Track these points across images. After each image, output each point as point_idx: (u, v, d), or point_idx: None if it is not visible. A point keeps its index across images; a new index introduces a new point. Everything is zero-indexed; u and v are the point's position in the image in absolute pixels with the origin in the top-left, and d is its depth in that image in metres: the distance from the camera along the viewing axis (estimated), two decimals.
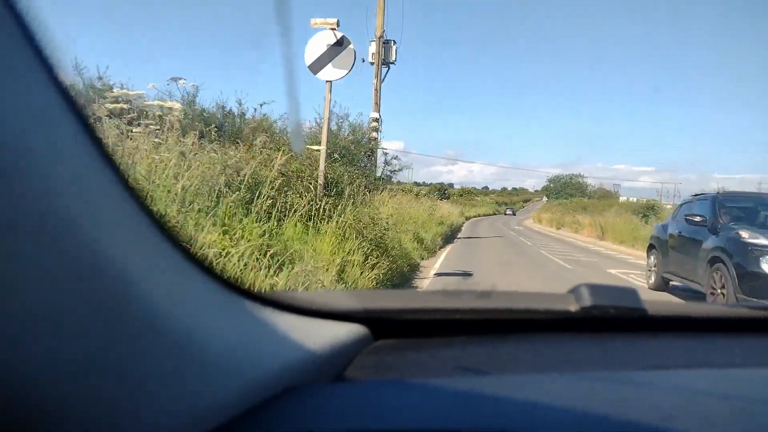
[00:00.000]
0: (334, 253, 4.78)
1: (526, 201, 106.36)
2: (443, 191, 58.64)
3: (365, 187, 8.46)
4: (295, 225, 4.84)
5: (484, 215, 56.12)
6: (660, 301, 1.05)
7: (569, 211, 36.21)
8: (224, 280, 0.54)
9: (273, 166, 4.92)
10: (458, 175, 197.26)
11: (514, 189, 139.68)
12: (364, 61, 14.39)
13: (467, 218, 39.85)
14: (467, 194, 77.75)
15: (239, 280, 0.70)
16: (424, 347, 0.81)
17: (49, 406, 0.33)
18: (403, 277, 7.06)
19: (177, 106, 4.93)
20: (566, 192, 77.33)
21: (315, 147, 6.63)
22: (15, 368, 0.31)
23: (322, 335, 0.66)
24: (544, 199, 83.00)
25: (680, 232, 7.12)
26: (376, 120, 14.24)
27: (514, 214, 70.78)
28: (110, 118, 3.75)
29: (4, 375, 0.31)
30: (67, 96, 0.35)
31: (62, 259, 0.33)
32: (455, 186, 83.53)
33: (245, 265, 3.31)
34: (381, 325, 0.79)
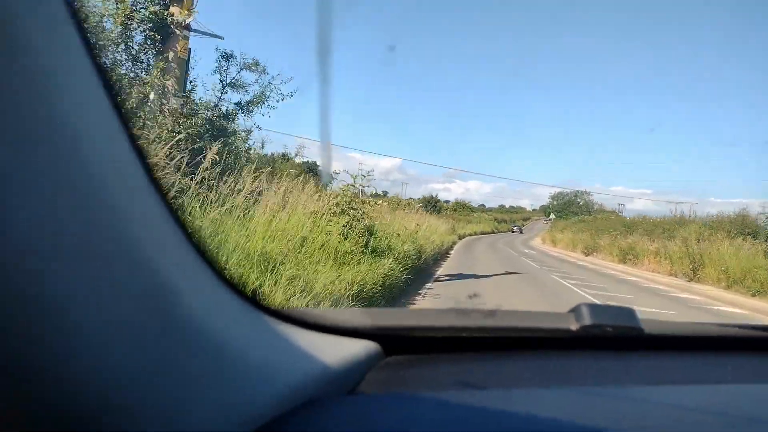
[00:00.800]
0: None
1: (525, 219, 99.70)
2: (433, 203, 48.80)
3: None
4: None
5: (482, 233, 46.41)
6: (656, 320, 1.05)
7: (593, 231, 26.42)
8: (248, 297, 0.61)
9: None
10: (455, 193, 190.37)
11: (512, 207, 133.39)
12: None
13: (460, 237, 30.39)
14: (462, 209, 67.71)
15: (262, 296, 0.43)
16: (433, 363, 0.86)
17: (125, 404, 0.39)
18: None
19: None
20: (570, 210, 70.92)
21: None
22: (100, 372, 0.37)
23: (337, 351, 0.72)
24: (552, 216, 73.73)
25: None
26: None
27: (521, 232, 61.42)
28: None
29: (91, 378, 0.37)
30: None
31: (137, 283, 0.40)
32: (450, 202, 73.38)
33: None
34: (392, 341, 0.85)
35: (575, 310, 0.90)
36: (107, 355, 0.37)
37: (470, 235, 38.26)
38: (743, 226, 15.08)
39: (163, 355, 0.42)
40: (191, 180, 4.48)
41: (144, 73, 7.56)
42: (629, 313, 0.92)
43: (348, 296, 4.59)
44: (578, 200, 77.31)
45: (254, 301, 0.62)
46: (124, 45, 7.45)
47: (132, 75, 7.53)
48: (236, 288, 0.58)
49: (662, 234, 18.14)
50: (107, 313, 0.37)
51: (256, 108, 9.52)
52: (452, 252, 17.98)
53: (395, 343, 0.85)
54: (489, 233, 50.82)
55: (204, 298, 0.50)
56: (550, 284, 11.00)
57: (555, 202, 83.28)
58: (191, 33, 8.09)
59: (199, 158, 4.91)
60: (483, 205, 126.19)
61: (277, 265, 4.16)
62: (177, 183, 4.17)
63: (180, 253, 0.48)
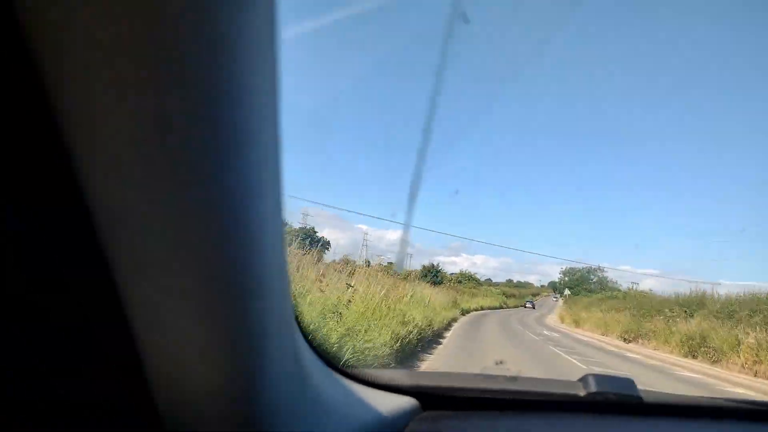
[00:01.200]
0: None
1: (534, 295, 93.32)
2: (434, 273, 43.10)
3: None
4: None
5: (490, 308, 40.28)
6: (655, 391, 1.23)
7: (632, 310, 20.39)
8: (324, 357, 0.80)
9: None
10: (461, 266, 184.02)
11: (519, 282, 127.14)
12: None
13: (464, 312, 24.76)
14: (468, 280, 61.21)
15: (333, 357, 0.88)
16: (463, 419, 1.02)
17: (270, 412, 0.54)
18: None
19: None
20: (583, 287, 64.90)
21: None
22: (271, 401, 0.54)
23: (385, 404, 0.90)
24: (567, 292, 67.09)
25: None
26: None
27: (534, 308, 55.30)
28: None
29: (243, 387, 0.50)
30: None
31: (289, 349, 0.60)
32: (455, 274, 67.13)
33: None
34: (429, 399, 1.04)
35: (583, 380, 1.13)
36: (274, 384, 0.53)
37: (476, 309, 32.47)
38: None
39: (297, 399, 0.61)
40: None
41: None
42: (629, 383, 1.14)
43: None
44: (591, 277, 71.60)
45: (329, 361, 0.83)
46: None
47: None
48: (319, 353, 0.79)
49: (749, 318, 12.59)
50: (280, 353, 0.54)
51: None
52: (449, 332, 12.59)
53: (432, 399, 1.05)
54: (497, 308, 44.59)
55: (308, 362, 0.68)
56: None
57: (567, 278, 77.38)
58: None
59: None
60: (490, 279, 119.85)
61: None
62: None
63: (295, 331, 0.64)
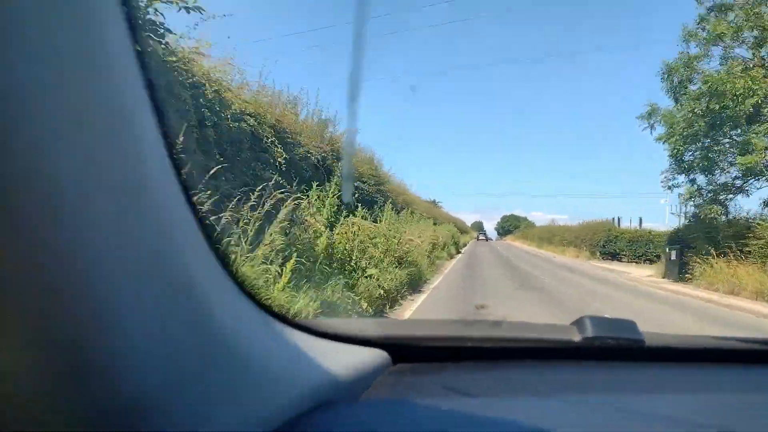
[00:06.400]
0: None
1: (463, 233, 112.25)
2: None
3: None
4: None
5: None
6: (657, 333, 1.07)
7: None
8: (267, 308, 0.64)
9: None
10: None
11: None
12: None
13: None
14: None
15: (279, 308, 0.84)
16: (439, 371, 0.88)
17: (158, 405, 0.41)
18: None
19: None
20: (512, 226, 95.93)
21: None
22: (141, 375, 0.40)
23: (347, 358, 0.76)
24: (485, 230, 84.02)
25: None
26: None
27: (487, 240, 61.24)
28: None
29: (132, 380, 0.39)
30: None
31: (173, 294, 0.43)
32: None
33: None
34: (400, 350, 0.88)
35: (578, 323, 0.94)
36: (148, 360, 0.39)
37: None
38: None
39: (194, 362, 0.44)
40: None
41: None
42: (630, 325, 0.95)
43: None
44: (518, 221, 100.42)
45: (274, 313, 0.65)
46: None
47: None
48: (257, 301, 0.61)
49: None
50: (150, 324, 0.39)
51: None
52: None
53: (403, 351, 0.88)
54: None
55: (230, 310, 0.52)
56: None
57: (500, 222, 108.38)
58: None
59: None
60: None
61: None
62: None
63: (208, 266, 0.50)
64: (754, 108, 10.74)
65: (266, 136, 6.32)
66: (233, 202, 3.94)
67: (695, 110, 11.74)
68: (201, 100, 4.99)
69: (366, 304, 5.63)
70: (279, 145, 6.45)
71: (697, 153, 12.76)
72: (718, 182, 13.07)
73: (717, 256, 11.56)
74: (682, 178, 13.66)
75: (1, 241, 0.32)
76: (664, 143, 12.97)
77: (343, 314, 4.59)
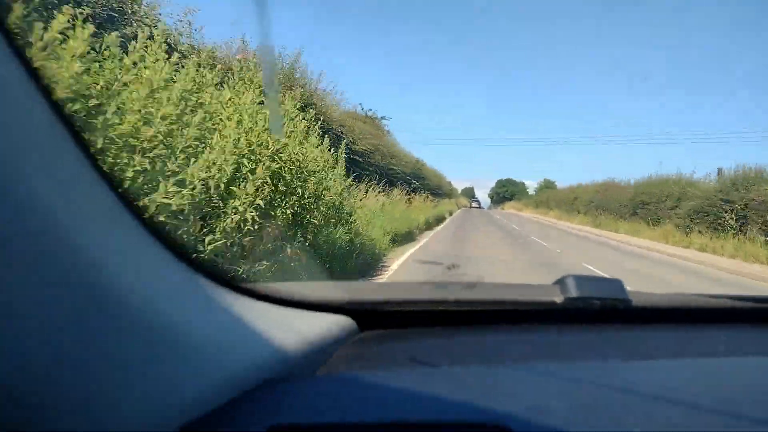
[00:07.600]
0: None
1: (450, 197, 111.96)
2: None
3: None
4: None
5: (448, 211, 43.39)
6: (645, 293, 1.04)
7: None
8: (202, 267, 0.55)
9: None
10: None
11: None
12: None
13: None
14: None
15: (216, 268, 0.63)
16: (410, 338, 0.81)
17: (27, 403, 0.33)
18: None
19: None
20: (509, 192, 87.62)
21: None
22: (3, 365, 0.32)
23: (304, 327, 0.67)
24: (478, 198, 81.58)
25: None
26: None
27: (480, 207, 59.87)
28: None
29: None
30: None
31: (40, 252, 0.33)
32: None
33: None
34: (366, 316, 0.81)
35: (561, 282, 0.89)
36: (11, 343, 0.31)
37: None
38: None
39: (81, 338, 0.35)
40: None
41: None
42: (617, 284, 0.90)
43: None
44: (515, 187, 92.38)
45: (211, 273, 0.57)
46: None
47: None
48: (188, 259, 0.51)
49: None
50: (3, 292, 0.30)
51: None
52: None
53: (370, 317, 0.82)
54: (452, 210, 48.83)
55: (144, 271, 0.43)
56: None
57: (496, 188, 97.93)
58: None
59: None
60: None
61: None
62: None
63: (105, 209, 0.40)
64: None
65: None
66: None
67: None
68: None
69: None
70: None
71: None
72: None
73: None
74: None
75: None
76: None
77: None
